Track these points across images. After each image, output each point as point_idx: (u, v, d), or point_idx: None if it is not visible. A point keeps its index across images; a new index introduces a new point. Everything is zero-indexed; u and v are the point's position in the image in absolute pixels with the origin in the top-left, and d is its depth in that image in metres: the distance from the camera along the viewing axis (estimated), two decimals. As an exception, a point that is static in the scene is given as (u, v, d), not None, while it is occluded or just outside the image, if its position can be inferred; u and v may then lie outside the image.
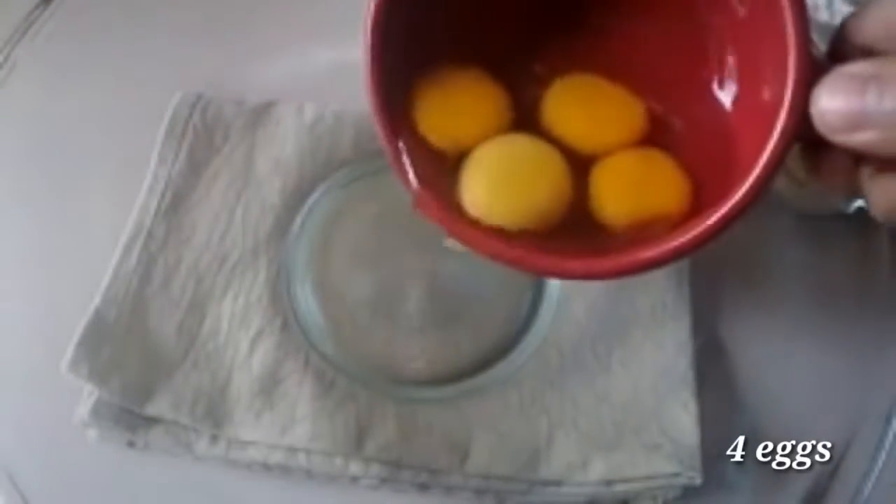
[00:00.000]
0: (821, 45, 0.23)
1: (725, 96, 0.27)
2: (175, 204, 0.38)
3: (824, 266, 0.37)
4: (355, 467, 0.32)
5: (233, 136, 0.40)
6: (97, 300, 0.35)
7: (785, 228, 0.38)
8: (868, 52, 0.22)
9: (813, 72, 0.21)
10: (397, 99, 0.26)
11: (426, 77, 0.27)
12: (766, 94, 0.23)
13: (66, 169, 0.39)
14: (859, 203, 0.37)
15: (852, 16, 0.22)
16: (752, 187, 0.22)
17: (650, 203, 0.26)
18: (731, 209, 0.22)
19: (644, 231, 0.25)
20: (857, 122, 0.20)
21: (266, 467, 0.33)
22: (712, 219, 0.23)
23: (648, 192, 0.26)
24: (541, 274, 0.27)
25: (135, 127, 0.40)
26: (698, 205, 0.26)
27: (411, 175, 0.26)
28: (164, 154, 0.39)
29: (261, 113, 0.41)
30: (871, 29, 0.21)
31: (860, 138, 0.20)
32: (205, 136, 0.40)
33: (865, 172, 0.22)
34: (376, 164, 0.38)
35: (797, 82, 0.21)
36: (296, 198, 0.38)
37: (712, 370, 0.34)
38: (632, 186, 0.27)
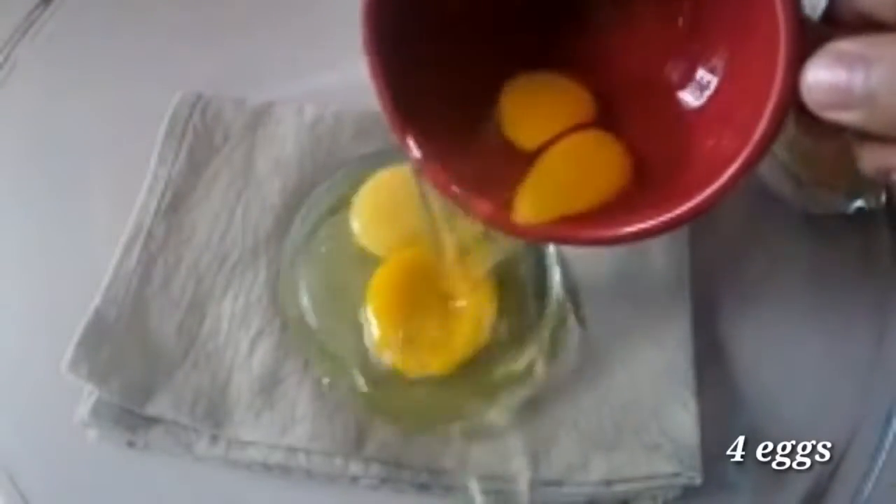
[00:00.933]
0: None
1: (709, 72, 0.27)
2: (175, 204, 0.38)
3: (824, 266, 0.37)
4: (355, 467, 0.32)
5: (233, 136, 0.40)
6: (97, 300, 0.35)
7: (785, 228, 0.38)
8: (866, 19, 0.21)
9: (805, 42, 0.21)
10: (399, 68, 0.26)
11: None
12: (755, 70, 0.23)
13: (66, 169, 0.39)
14: (859, 203, 0.37)
15: None
16: (754, 149, 0.22)
17: (589, 192, 0.27)
18: (733, 174, 0.23)
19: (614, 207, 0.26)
20: (844, 101, 0.20)
21: (266, 467, 0.33)
22: (719, 181, 0.23)
23: (580, 184, 0.27)
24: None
25: (135, 127, 0.40)
26: (653, 177, 0.26)
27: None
28: (164, 154, 0.39)
29: (261, 113, 0.41)
30: None
31: (846, 117, 0.20)
32: (205, 136, 0.40)
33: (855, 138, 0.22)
34: (376, 164, 0.38)
35: (788, 59, 0.21)
36: (296, 198, 0.38)
37: (712, 370, 0.34)
38: (556, 186, 0.27)
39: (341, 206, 0.36)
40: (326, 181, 0.39)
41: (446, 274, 0.32)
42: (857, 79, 0.19)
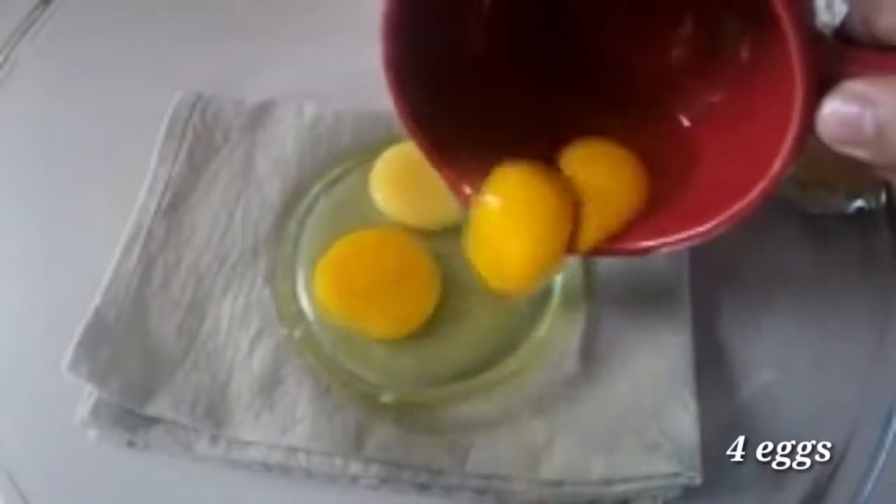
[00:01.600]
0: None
1: (721, 95, 0.27)
2: (175, 204, 0.38)
3: (824, 266, 0.37)
4: (355, 467, 0.32)
5: (233, 136, 0.40)
6: (97, 300, 0.35)
7: (785, 229, 0.38)
8: (881, 42, 0.21)
9: (820, 73, 0.21)
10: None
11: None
12: (769, 99, 0.23)
13: (67, 169, 0.39)
14: (859, 203, 0.37)
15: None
16: (772, 179, 0.23)
17: (613, 216, 0.28)
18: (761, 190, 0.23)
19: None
20: (854, 139, 0.21)
21: (266, 467, 0.33)
22: (738, 205, 0.24)
23: (602, 209, 0.28)
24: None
25: (135, 127, 0.40)
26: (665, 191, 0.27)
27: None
28: (164, 154, 0.39)
29: (261, 113, 0.41)
30: (886, 20, 0.21)
31: (856, 152, 0.21)
32: (205, 136, 0.40)
33: None
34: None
35: (805, 96, 0.21)
36: (296, 197, 0.38)
37: (712, 370, 0.34)
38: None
39: (344, 176, 0.39)
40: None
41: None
42: (866, 120, 0.20)
